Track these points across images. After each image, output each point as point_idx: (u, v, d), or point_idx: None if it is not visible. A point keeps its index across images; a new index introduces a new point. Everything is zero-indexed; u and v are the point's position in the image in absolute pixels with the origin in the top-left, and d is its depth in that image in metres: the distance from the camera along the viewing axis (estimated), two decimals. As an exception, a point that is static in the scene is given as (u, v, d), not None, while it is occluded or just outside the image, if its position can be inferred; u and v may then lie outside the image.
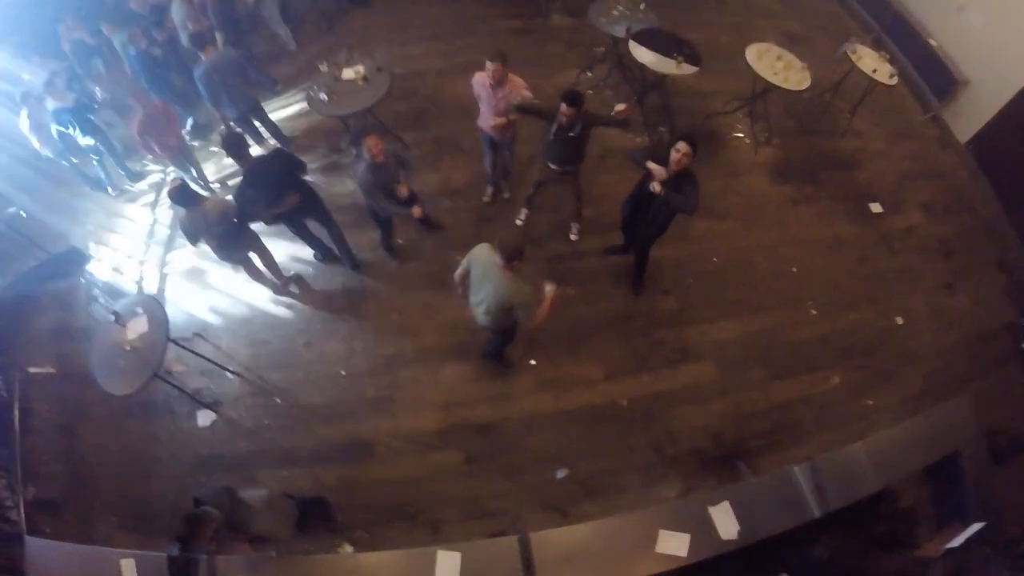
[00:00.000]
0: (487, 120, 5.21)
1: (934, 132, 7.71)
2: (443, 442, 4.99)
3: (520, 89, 4.99)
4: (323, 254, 5.89)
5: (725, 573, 3.95)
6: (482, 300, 4.17)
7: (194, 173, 6.43)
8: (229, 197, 5.13)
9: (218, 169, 6.82)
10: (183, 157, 6.27)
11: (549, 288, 4.02)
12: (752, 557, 3.94)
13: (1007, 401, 5.60)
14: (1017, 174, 6.82)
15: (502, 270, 3.89)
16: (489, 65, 4.79)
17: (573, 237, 6.01)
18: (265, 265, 5.53)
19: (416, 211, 5.05)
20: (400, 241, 5.93)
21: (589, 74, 7.42)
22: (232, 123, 6.13)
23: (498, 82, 4.89)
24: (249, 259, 5.40)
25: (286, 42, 7.64)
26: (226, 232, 4.91)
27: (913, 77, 8.03)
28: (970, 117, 7.37)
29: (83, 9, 7.13)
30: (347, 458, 4.96)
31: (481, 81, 5.02)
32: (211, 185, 6.61)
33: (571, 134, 4.80)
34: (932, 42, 7.71)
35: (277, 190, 4.90)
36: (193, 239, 4.92)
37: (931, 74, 7.77)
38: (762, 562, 4.03)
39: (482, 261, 4.02)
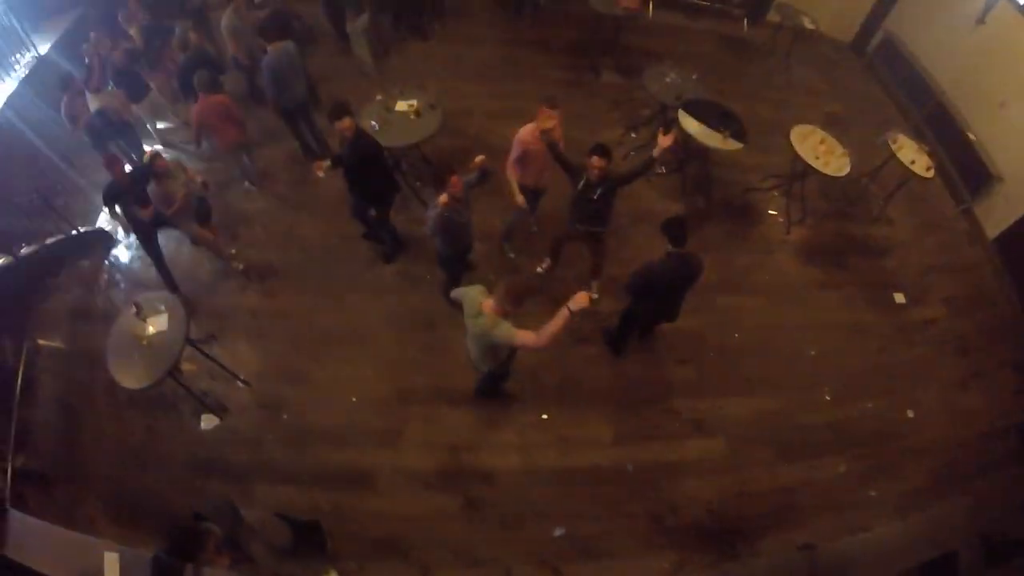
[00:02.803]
0: (541, 174, 5.32)
1: (964, 226, 7.74)
2: (444, 483, 4.97)
3: (560, 127, 5.13)
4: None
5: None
6: (469, 338, 4.27)
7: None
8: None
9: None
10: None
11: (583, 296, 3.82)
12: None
13: (1007, 503, 5.60)
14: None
15: (489, 311, 3.89)
16: (551, 113, 4.89)
17: (594, 296, 5.96)
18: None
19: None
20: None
21: (633, 135, 7.51)
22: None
23: (551, 131, 4.95)
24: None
25: (368, 65, 7.73)
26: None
27: (948, 169, 8.09)
28: (1001, 214, 7.41)
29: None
30: (346, 485, 4.94)
31: (524, 138, 5.06)
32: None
33: (595, 195, 4.87)
34: (971, 136, 7.78)
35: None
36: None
37: (966, 168, 7.84)
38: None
39: (471, 300, 4.04)
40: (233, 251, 6.20)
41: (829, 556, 4.19)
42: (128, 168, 5.27)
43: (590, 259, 5.79)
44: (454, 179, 4.46)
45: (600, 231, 5.32)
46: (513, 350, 4.31)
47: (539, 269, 6.09)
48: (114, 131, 6.18)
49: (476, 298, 4.00)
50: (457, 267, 5.49)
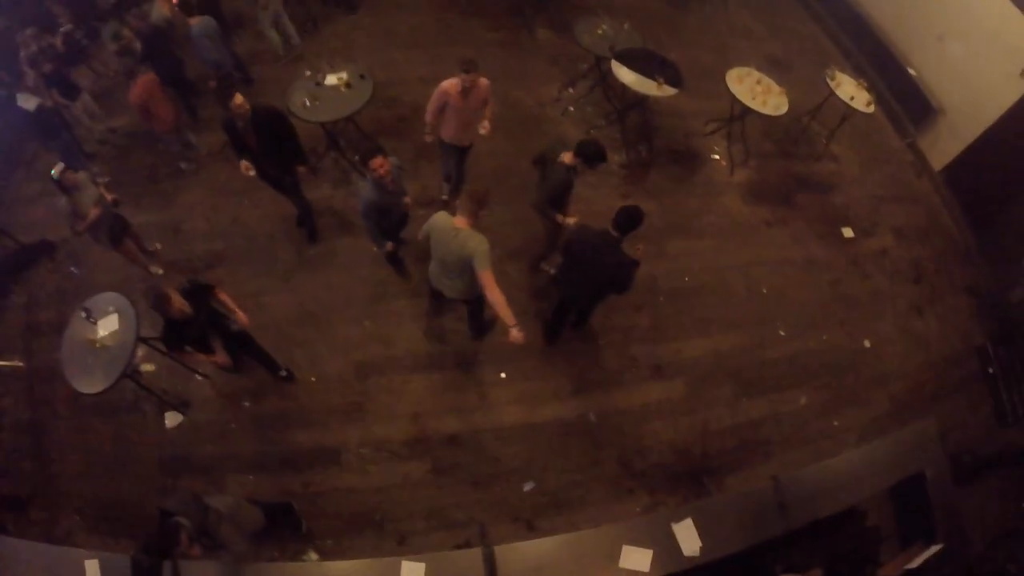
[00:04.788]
0: (456, 129, 5.30)
1: (909, 158, 7.87)
2: (411, 452, 5.00)
3: (487, 87, 5.09)
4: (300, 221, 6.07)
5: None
6: (444, 264, 4.33)
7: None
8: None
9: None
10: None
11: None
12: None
13: (971, 423, 5.83)
14: (989, 201, 7.00)
15: (460, 226, 4.05)
16: (464, 76, 4.82)
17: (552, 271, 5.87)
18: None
19: (389, 246, 5.09)
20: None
21: (571, 90, 7.48)
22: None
23: (469, 89, 4.94)
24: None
25: (292, 36, 7.60)
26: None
27: (891, 104, 8.19)
28: (945, 145, 7.54)
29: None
30: (314, 465, 4.95)
31: (447, 89, 5.02)
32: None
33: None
34: (911, 71, 7.88)
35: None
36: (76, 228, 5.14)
37: (909, 102, 7.93)
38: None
39: (439, 227, 4.15)
40: (158, 245, 6.09)
41: (794, 484, 4.28)
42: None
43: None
44: (375, 162, 4.34)
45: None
46: None
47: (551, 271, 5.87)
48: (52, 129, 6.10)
49: (447, 221, 4.12)
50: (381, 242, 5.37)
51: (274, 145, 5.08)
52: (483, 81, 5.05)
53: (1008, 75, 6.53)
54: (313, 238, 6.10)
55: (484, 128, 5.28)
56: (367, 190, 4.57)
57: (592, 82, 7.32)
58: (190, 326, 4.11)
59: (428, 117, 5.27)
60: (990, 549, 4.91)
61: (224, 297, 4.46)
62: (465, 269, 4.17)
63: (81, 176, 5.04)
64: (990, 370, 6.17)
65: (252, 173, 5.19)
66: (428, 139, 5.53)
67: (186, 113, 6.84)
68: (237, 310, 4.47)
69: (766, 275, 6.31)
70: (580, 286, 4.72)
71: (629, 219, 4.11)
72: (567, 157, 4.59)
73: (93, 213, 5.05)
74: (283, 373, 5.22)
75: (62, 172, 4.87)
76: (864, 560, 4.46)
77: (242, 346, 4.77)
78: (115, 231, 5.41)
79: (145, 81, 5.81)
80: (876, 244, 6.88)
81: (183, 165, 6.68)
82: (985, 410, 5.99)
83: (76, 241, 5.81)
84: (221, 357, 4.48)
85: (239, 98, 4.72)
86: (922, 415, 4.95)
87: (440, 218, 4.17)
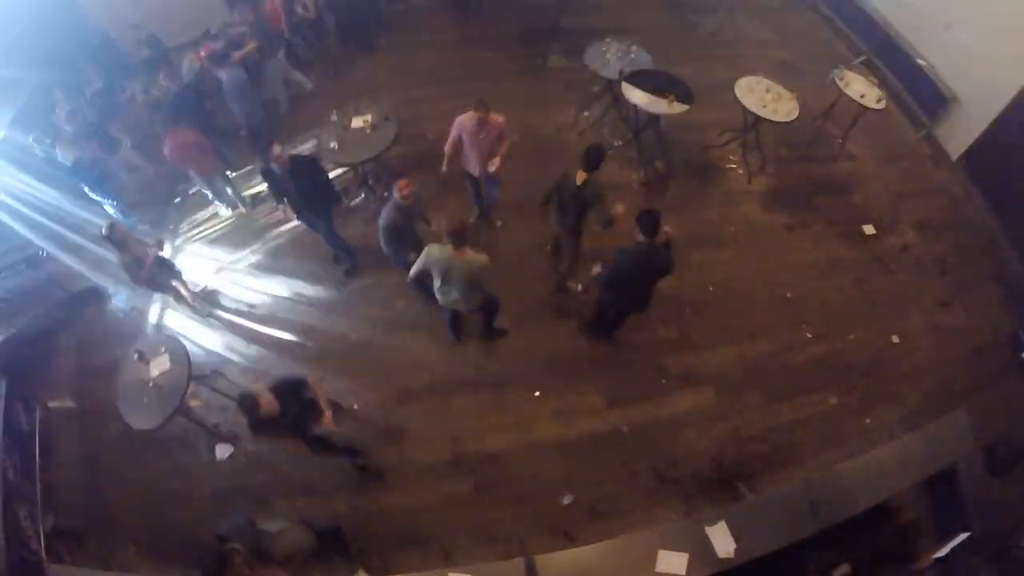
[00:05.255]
0: (474, 161, 5.58)
1: (926, 151, 7.87)
2: (453, 471, 5.19)
3: (501, 124, 5.36)
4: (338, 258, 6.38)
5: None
6: (451, 289, 4.76)
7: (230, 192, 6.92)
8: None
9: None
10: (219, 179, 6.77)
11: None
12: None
13: (1006, 413, 5.71)
14: (1010, 185, 6.97)
15: (456, 255, 4.46)
16: (474, 114, 5.15)
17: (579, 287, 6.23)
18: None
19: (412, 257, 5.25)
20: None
21: (586, 113, 7.67)
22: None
23: (482, 125, 5.24)
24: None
25: (303, 83, 7.95)
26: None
27: (904, 97, 8.20)
28: (961, 133, 7.53)
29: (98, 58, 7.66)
30: (360, 488, 5.16)
31: (463, 122, 5.34)
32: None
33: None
34: (921, 62, 7.89)
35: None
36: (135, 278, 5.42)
37: (921, 93, 7.95)
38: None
39: (437, 259, 4.55)
40: (205, 285, 6.44)
41: (825, 483, 4.38)
42: None
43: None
44: (401, 183, 4.78)
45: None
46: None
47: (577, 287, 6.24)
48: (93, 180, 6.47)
49: (442, 251, 4.52)
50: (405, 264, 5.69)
51: (311, 191, 5.42)
52: (496, 118, 5.32)
53: (1017, 56, 6.56)
54: (351, 273, 6.38)
55: (492, 164, 5.54)
56: (388, 211, 4.94)
57: (605, 105, 7.50)
58: (275, 425, 4.08)
59: (446, 147, 5.58)
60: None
61: (318, 392, 4.41)
62: (471, 288, 4.70)
63: (126, 227, 5.39)
64: (1023, 355, 6.09)
65: (292, 215, 5.52)
66: (443, 169, 5.76)
67: (220, 162, 7.14)
68: (327, 410, 4.37)
69: (790, 279, 6.39)
70: (635, 295, 5.04)
71: (652, 222, 4.40)
72: (579, 177, 4.87)
73: (149, 259, 5.40)
74: (360, 462, 5.22)
75: (111, 228, 5.19)
76: (901, 557, 4.53)
77: (323, 445, 4.72)
78: (163, 276, 5.73)
79: (177, 136, 6.09)
80: (898, 240, 6.89)
81: (225, 210, 7.02)
82: (1020, 399, 5.89)
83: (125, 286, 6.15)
84: (297, 447, 4.48)
85: (277, 148, 5.05)
86: (954, 408, 4.96)
87: (434, 250, 4.55)
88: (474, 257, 4.54)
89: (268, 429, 4.12)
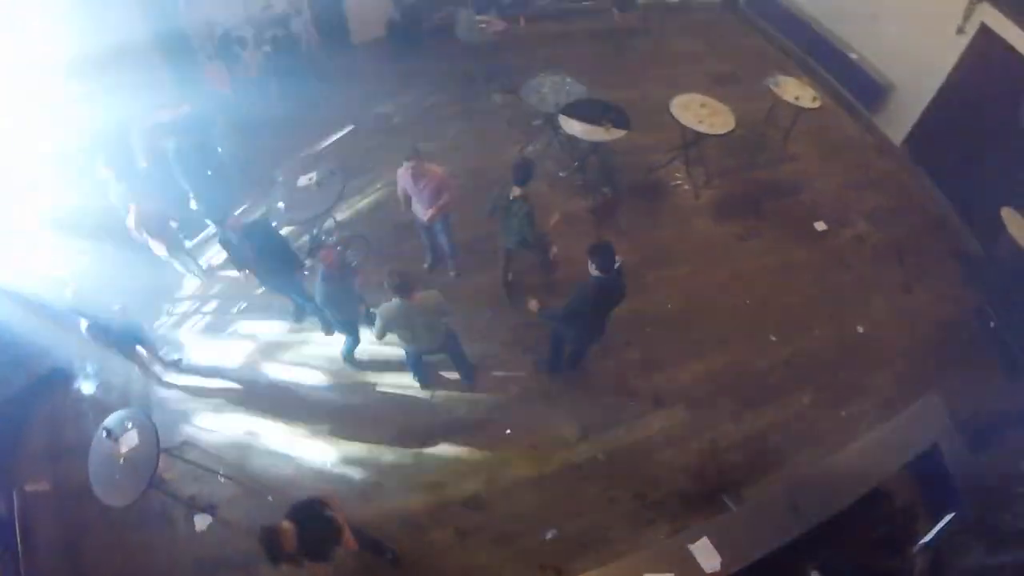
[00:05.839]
0: (420, 211, 5.69)
1: (870, 140, 8.07)
2: (433, 521, 5.14)
3: (440, 177, 5.47)
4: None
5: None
6: (421, 336, 4.86)
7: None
8: None
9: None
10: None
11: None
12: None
13: (979, 387, 5.72)
14: (955, 163, 7.14)
15: (409, 303, 4.51)
16: (406, 164, 5.27)
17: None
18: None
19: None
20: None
21: (531, 148, 7.80)
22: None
23: (418, 176, 5.36)
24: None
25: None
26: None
27: (840, 92, 8.44)
28: (902, 119, 7.77)
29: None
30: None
31: (403, 176, 5.47)
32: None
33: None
34: (853, 55, 8.15)
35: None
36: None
37: (859, 86, 8.19)
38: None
39: (394, 314, 4.62)
40: (178, 356, 6.42)
41: (804, 483, 4.42)
42: None
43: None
44: (323, 254, 4.90)
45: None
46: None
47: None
48: None
49: (396, 304, 4.55)
50: (351, 329, 5.80)
51: (269, 253, 5.48)
52: (434, 170, 5.44)
53: (946, 36, 6.78)
54: (328, 331, 6.37)
55: (426, 215, 5.64)
56: (320, 286, 5.04)
57: (548, 137, 7.65)
58: (291, 557, 3.77)
59: (399, 194, 5.79)
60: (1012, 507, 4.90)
61: (335, 505, 4.14)
62: (435, 324, 4.84)
63: None
64: (992, 324, 6.21)
65: (255, 282, 5.62)
66: (403, 209, 5.93)
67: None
68: (347, 530, 4.08)
69: (747, 287, 6.47)
70: (595, 327, 5.08)
71: (608, 256, 4.36)
72: (515, 192, 5.05)
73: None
74: (390, 556, 4.97)
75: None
76: (902, 541, 4.53)
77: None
78: (129, 341, 5.78)
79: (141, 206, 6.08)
80: (851, 232, 7.03)
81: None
82: (994, 372, 6.00)
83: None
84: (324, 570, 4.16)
85: (232, 221, 5.14)
86: (930, 388, 5.02)
87: (389, 309, 4.61)
88: (425, 296, 4.64)
89: (290, 558, 3.83)
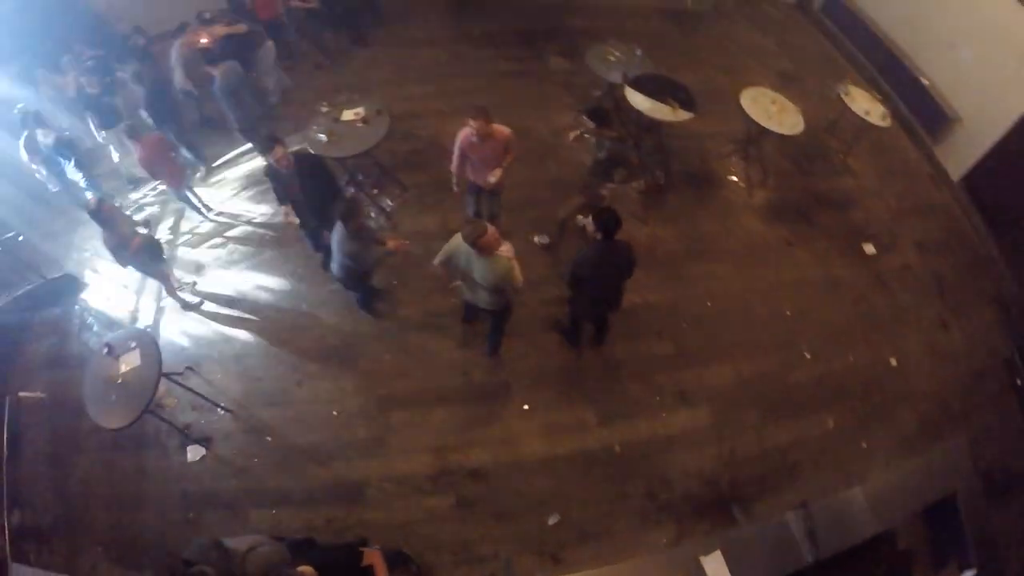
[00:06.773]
0: (480, 174, 5.32)
1: (927, 170, 7.80)
2: (435, 486, 4.96)
3: (508, 136, 5.10)
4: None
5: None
6: (476, 281, 4.48)
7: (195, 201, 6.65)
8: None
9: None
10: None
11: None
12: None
13: (1001, 437, 5.66)
14: (1010, 209, 6.91)
15: (482, 256, 4.23)
16: (472, 123, 4.85)
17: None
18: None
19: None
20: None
21: (585, 117, 7.44)
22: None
23: (484, 137, 4.95)
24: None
25: (273, 92, 7.66)
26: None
27: (906, 115, 8.13)
28: (963, 154, 7.46)
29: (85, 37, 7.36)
30: (337, 500, 4.93)
31: (464, 136, 5.08)
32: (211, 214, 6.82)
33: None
34: (924, 80, 7.83)
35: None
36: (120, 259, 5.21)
37: (924, 112, 7.89)
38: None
39: (463, 249, 4.30)
40: (195, 280, 6.23)
41: (824, 512, 4.21)
42: None
43: None
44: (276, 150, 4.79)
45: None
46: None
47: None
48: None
49: (467, 250, 4.27)
50: (362, 286, 5.58)
51: (318, 192, 5.17)
52: (501, 130, 5.05)
53: (1021, 79, 6.48)
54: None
55: (493, 175, 5.26)
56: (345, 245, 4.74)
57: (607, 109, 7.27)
58: None
59: (453, 167, 5.39)
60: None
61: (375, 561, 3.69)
62: (494, 288, 4.45)
63: (114, 205, 5.12)
64: (1018, 381, 6.01)
65: (294, 220, 5.32)
66: (455, 190, 5.61)
67: (200, 165, 7.06)
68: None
69: (789, 296, 6.23)
70: (598, 297, 4.93)
71: (612, 222, 4.33)
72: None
73: (136, 242, 5.17)
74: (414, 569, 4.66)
75: (98, 203, 4.96)
76: None
77: None
78: (149, 260, 5.51)
79: (149, 142, 5.88)
80: (898, 259, 6.79)
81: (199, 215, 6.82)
82: (1016, 424, 5.81)
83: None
84: None
85: (279, 151, 4.82)
86: (951, 432, 4.92)
87: (459, 245, 4.31)
88: (497, 260, 4.30)
89: None
